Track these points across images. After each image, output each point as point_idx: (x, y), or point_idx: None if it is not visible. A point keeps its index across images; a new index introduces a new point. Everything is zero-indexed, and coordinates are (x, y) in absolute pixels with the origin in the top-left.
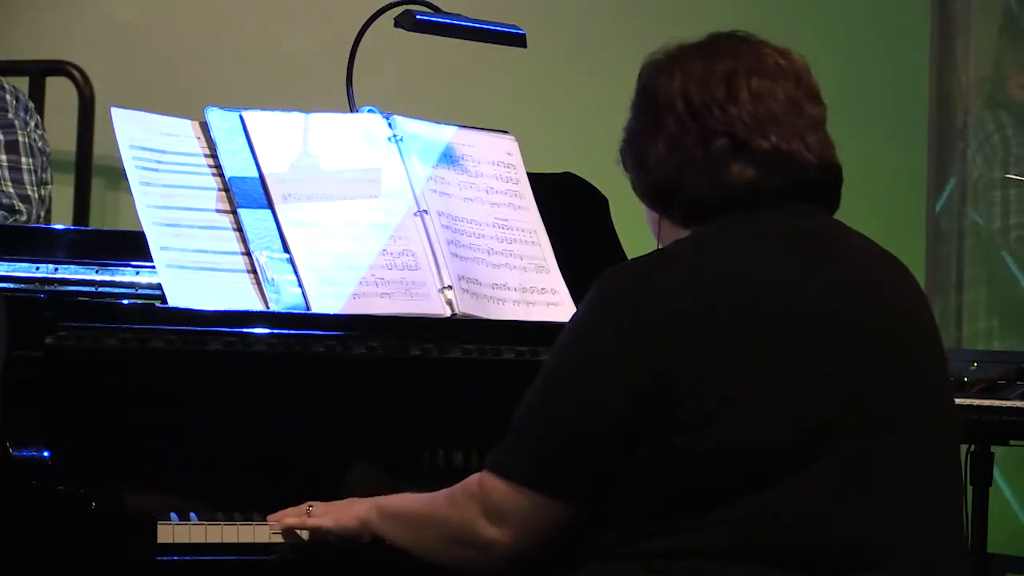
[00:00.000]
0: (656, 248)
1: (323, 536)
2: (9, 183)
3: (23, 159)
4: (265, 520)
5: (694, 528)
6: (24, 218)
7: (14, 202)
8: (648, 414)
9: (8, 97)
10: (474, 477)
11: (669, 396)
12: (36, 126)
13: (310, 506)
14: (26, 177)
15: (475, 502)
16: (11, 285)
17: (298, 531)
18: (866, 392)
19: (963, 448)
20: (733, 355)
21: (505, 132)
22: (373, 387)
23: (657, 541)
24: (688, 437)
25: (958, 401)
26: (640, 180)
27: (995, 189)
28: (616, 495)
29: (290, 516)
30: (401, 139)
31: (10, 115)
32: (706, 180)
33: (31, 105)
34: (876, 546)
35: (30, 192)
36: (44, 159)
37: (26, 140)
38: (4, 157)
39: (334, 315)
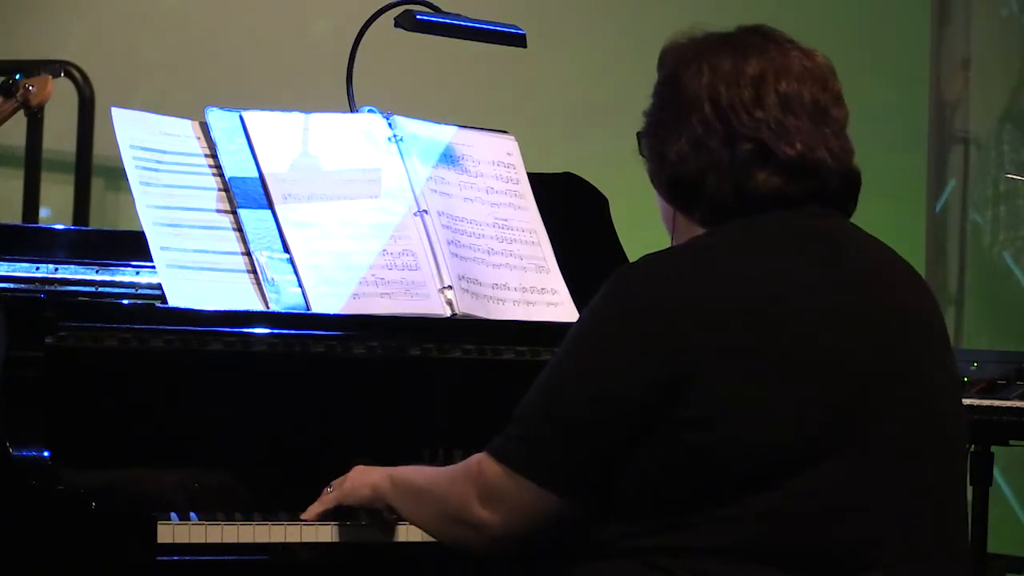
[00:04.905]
0: (669, 242)
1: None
2: None
3: None
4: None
5: (698, 526)
6: None
7: None
8: (653, 411)
9: None
10: (475, 458)
11: (677, 394)
12: None
13: (330, 486)
14: None
15: (472, 483)
16: (11, 285)
17: (324, 526)
18: (875, 392)
19: None
20: (744, 353)
21: (505, 132)
22: (373, 387)
23: (660, 538)
24: (697, 434)
25: None
26: (659, 172)
27: (995, 188)
28: (620, 491)
29: (315, 506)
30: (401, 139)
31: None
32: (730, 184)
33: None
34: (882, 546)
35: None
36: None
37: None
38: None
39: (334, 315)
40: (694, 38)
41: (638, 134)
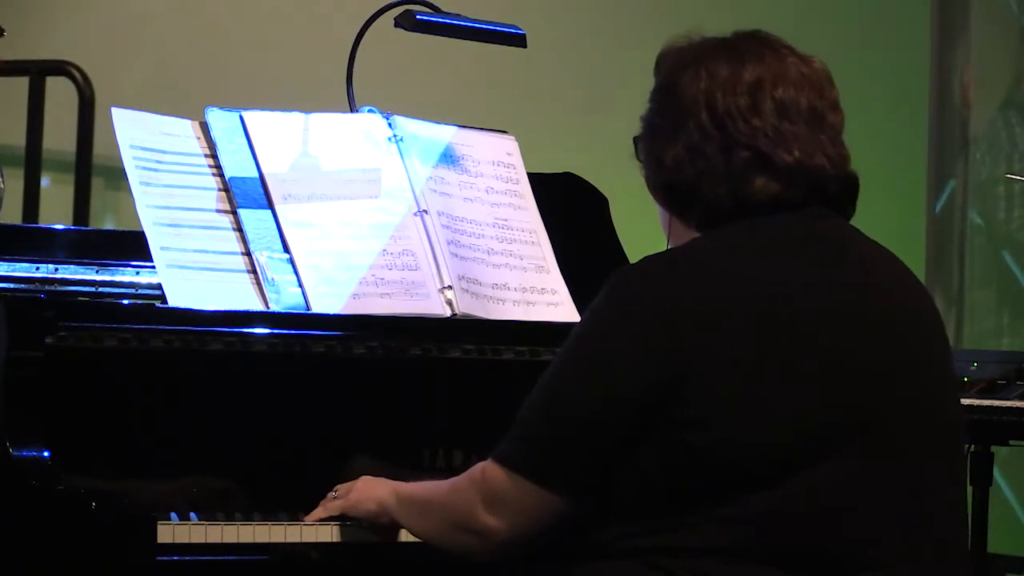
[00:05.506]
0: (666, 245)
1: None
2: None
3: None
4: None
5: (698, 526)
6: None
7: None
8: (653, 412)
9: None
10: (478, 465)
11: (677, 394)
12: None
13: (335, 491)
14: None
15: (476, 489)
16: (11, 285)
17: (324, 526)
18: (874, 393)
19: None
20: (743, 353)
21: (505, 132)
22: (373, 387)
23: (660, 538)
24: (696, 434)
25: None
26: (655, 177)
27: (995, 189)
28: (621, 491)
29: (318, 511)
30: (401, 139)
31: None
32: (726, 190)
33: None
34: (881, 546)
35: None
36: None
37: None
38: None
39: (334, 315)
40: (691, 43)
41: (635, 139)
